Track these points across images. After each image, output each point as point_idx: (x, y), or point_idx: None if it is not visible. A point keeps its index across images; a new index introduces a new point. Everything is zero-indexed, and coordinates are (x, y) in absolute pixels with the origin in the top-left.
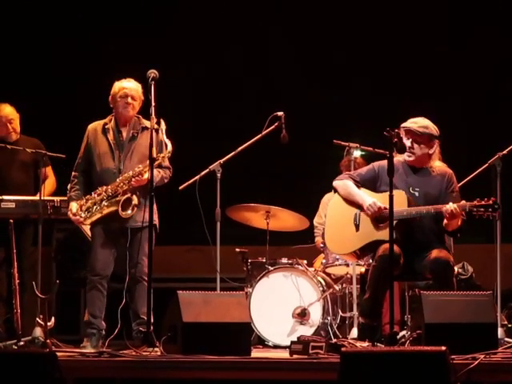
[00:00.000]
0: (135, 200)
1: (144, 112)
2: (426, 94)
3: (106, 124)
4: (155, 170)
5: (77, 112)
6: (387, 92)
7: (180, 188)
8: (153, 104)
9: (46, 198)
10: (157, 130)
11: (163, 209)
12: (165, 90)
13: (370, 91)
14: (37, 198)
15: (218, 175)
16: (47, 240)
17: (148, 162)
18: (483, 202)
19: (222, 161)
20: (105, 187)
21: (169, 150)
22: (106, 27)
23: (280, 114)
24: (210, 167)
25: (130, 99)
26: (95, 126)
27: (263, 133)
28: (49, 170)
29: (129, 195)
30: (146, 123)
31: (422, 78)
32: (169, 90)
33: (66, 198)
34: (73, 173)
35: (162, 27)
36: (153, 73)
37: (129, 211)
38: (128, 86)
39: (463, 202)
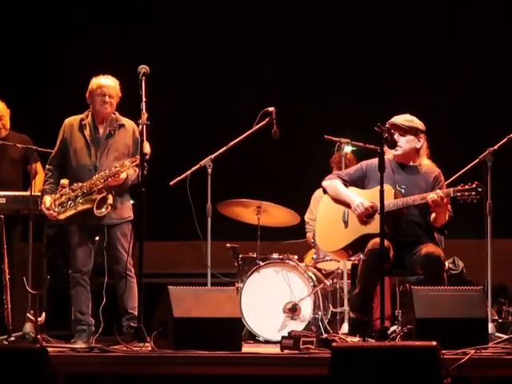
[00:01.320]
0: (110, 199)
1: (121, 107)
2: (417, 89)
3: (82, 120)
4: (131, 169)
5: (63, 107)
6: (378, 88)
7: (171, 183)
8: (143, 99)
9: (37, 193)
10: (147, 126)
11: (154, 204)
12: (156, 86)
13: (361, 87)
14: (27, 193)
15: (209, 171)
16: (38, 236)
17: (125, 161)
18: (467, 186)
19: (212, 156)
20: (80, 184)
21: (147, 151)
22: (96, 23)
23: (271, 109)
24: (201, 163)
25: (107, 98)
26: (72, 120)
27: (254, 128)
28: (38, 167)
29: (104, 194)
30: (123, 120)
31: (412, 73)
32: (160, 86)
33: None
34: (47, 166)
35: (152, 22)
36: (144, 68)
37: (103, 209)
38: (106, 84)
39: (448, 189)
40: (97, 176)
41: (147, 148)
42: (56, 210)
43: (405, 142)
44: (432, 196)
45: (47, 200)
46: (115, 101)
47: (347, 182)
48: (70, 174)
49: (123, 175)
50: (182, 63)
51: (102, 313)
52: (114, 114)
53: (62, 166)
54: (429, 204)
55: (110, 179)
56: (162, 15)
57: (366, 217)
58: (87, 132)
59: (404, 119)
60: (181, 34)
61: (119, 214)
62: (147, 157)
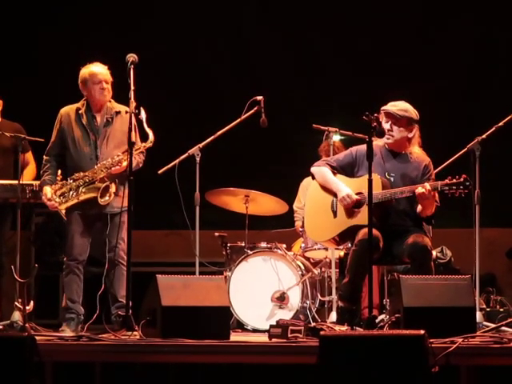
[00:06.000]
0: (113, 188)
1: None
2: (406, 77)
3: (79, 109)
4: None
5: (55, 96)
6: (367, 76)
7: (159, 172)
8: (132, 88)
9: (25, 182)
10: (136, 115)
11: (142, 193)
12: (144, 74)
13: (349, 75)
14: (16, 182)
15: (197, 159)
16: (26, 224)
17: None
18: (454, 180)
19: (201, 145)
20: (82, 173)
21: (151, 139)
22: (85, 12)
23: (259, 98)
24: (189, 151)
25: (104, 84)
26: (68, 110)
27: (242, 117)
28: (29, 156)
29: (108, 183)
30: (119, 107)
31: (401, 61)
32: (148, 74)
33: None
34: (45, 157)
35: (141, 11)
36: (132, 57)
37: (106, 198)
38: (99, 71)
39: (435, 182)
40: (99, 165)
41: (150, 135)
42: (57, 200)
43: (397, 132)
44: (419, 190)
45: (48, 191)
46: (110, 86)
47: (336, 169)
48: (69, 164)
49: (126, 163)
50: (169, 50)
51: (98, 300)
52: (110, 101)
53: (60, 156)
54: (416, 196)
55: (113, 168)
56: (149, 3)
57: (353, 207)
58: (85, 121)
59: (399, 108)
60: (168, 21)
61: (121, 202)
62: (151, 144)
